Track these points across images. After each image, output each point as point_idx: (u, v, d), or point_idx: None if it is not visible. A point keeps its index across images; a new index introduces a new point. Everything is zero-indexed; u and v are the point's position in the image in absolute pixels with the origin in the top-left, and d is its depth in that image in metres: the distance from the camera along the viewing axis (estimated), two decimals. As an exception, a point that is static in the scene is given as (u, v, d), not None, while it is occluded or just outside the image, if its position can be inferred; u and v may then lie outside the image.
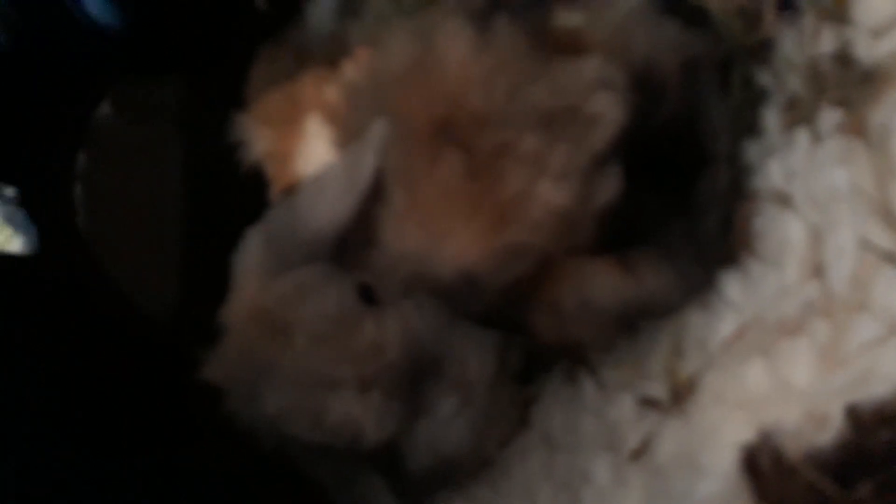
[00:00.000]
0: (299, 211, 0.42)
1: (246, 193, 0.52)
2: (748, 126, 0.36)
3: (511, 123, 0.32)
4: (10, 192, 0.50)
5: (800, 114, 0.34)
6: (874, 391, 0.28)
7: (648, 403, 0.39)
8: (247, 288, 0.41)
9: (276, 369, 0.38)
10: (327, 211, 0.40)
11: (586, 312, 0.36)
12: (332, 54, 0.46)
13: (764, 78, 0.36)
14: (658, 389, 0.39)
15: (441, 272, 0.33)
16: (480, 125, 0.32)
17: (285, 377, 0.38)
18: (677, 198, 0.35)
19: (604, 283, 0.35)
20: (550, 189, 0.31)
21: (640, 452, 0.37)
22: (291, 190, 0.47)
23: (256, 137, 0.50)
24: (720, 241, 0.36)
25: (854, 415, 0.28)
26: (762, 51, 0.36)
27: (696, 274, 0.36)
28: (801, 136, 0.33)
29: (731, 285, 0.36)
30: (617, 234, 0.34)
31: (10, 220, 0.50)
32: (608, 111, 0.32)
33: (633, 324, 0.39)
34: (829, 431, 0.29)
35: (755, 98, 0.37)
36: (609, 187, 0.32)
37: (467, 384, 0.40)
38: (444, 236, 0.33)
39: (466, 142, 0.32)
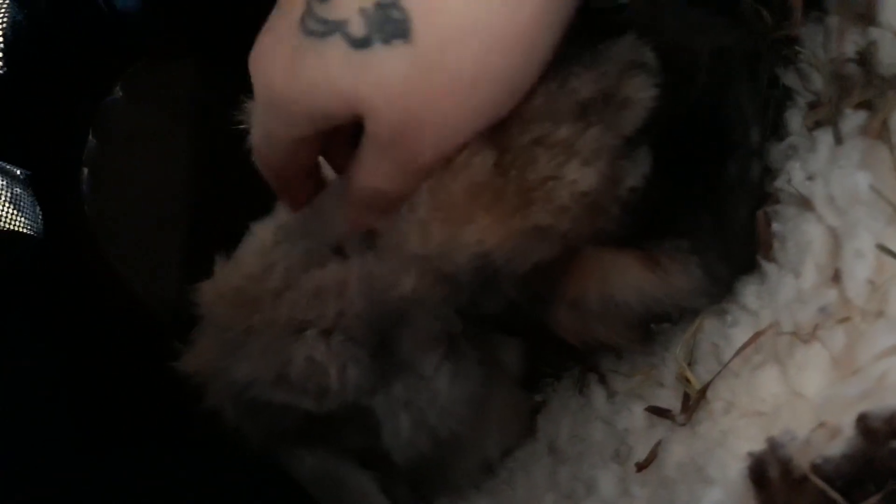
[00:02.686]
0: (323, 207, 0.44)
1: (254, 182, 0.55)
2: (772, 126, 0.38)
3: (549, 117, 0.33)
4: (19, 172, 0.53)
5: (823, 115, 0.35)
6: (887, 401, 0.29)
7: (659, 413, 0.40)
8: (225, 272, 0.43)
9: (245, 336, 0.40)
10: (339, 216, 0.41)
11: (610, 309, 0.38)
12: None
13: (789, 78, 0.38)
14: (670, 399, 0.40)
15: (458, 258, 0.35)
16: (519, 122, 0.33)
17: (252, 338, 0.40)
18: (706, 188, 0.36)
19: (629, 279, 0.37)
20: (578, 172, 0.32)
21: (648, 463, 0.39)
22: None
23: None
24: (749, 239, 0.37)
25: (864, 424, 0.29)
26: (788, 49, 0.38)
27: (724, 274, 0.37)
28: (824, 138, 0.35)
29: (748, 290, 0.37)
30: (644, 225, 0.35)
31: (15, 202, 0.53)
32: (640, 94, 0.33)
33: (656, 324, 0.40)
34: (840, 442, 0.30)
35: (780, 97, 0.38)
36: (637, 170, 0.33)
37: (443, 339, 0.41)
38: (464, 223, 0.34)
39: (500, 140, 0.34)
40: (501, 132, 0.34)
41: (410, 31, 0.29)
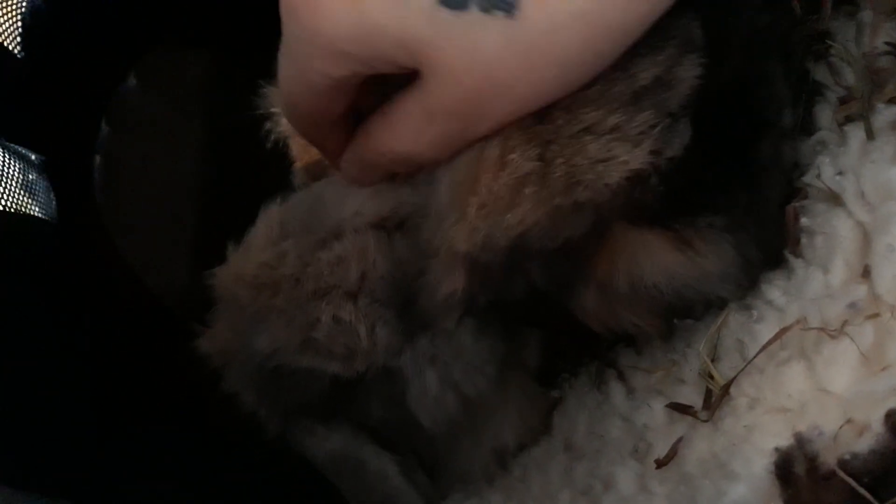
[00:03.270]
0: (324, 196, 0.44)
1: (268, 172, 0.55)
2: (801, 120, 0.38)
3: (601, 105, 0.32)
4: (34, 158, 0.53)
5: (854, 110, 0.35)
6: (917, 397, 0.29)
7: (680, 409, 0.40)
8: (238, 258, 0.43)
9: (267, 312, 0.40)
10: (354, 201, 0.42)
11: (639, 292, 0.37)
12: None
13: (819, 72, 0.38)
14: (691, 395, 0.40)
15: (500, 243, 0.34)
16: (566, 112, 0.33)
17: (275, 313, 0.40)
18: (741, 166, 0.36)
19: (658, 260, 0.36)
20: (629, 153, 0.32)
21: (668, 459, 0.39)
22: (315, 167, 0.50)
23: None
24: (780, 225, 0.37)
25: (893, 421, 0.29)
26: (818, 44, 0.38)
27: (755, 258, 0.37)
28: (854, 133, 0.35)
29: (774, 286, 0.37)
30: (680, 200, 0.35)
31: (29, 188, 0.53)
32: (688, 73, 0.33)
33: (679, 319, 0.40)
34: (868, 438, 0.30)
35: (810, 92, 0.38)
36: (678, 141, 0.33)
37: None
38: (507, 211, 0.34)
39: (542, 133, 0.33)
40: (545, 124, 0.33)
41: (517, 9, 0.28)
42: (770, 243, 0.37)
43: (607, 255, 0.36)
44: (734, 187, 0.35)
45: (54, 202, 0.53)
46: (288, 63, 0.34)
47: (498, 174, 0.34)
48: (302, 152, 0.53)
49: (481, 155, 0.34)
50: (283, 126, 0.53)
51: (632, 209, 0.34)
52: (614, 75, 0.32)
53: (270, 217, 0.44)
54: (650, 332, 0.40)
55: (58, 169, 0.55)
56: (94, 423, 0.47)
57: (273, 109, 0.54)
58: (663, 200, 0.34)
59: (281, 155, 0.57)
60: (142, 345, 0.56)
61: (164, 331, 0.59)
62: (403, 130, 0.33)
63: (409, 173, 0.38)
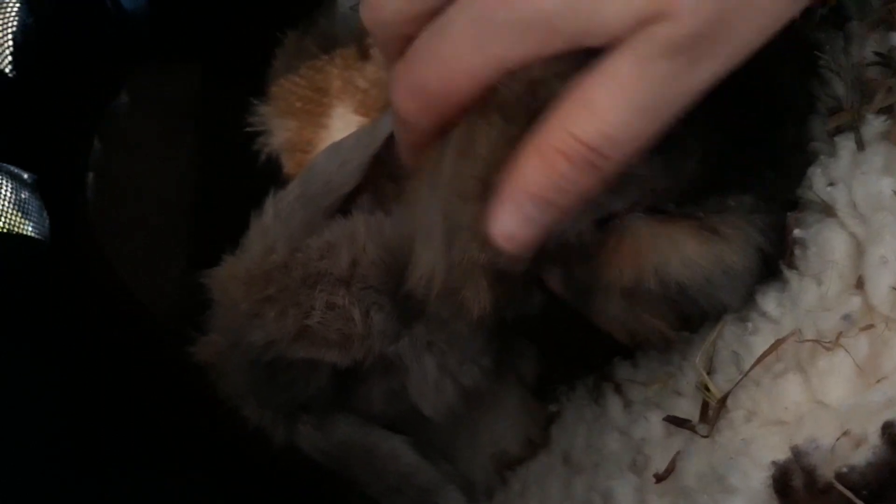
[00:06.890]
0: (308, 179, 0.45)
1: (260, 187, 0.55)
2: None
3: None
4: (27, 177, 0.53)
5: (844, 121, 0.36)
6: (912, 409, 0.30)
7: (678, 423, 0.40)
8: (233, 259, 0.44)
9: (260, 305, 0.41)
10: (337, 168, 0.43)
11: (667, 292, 0.36)
12: (361, 42, 0.49)
13: (810, 84, 0.38)
14: (688, 408, 0.40)
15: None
16: None
17: (268, 305, 0.40)
18: (768, 146, 0.35)
19: (684, 254, 0.35)
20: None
21: (667, 473, 0.39)
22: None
23: (277, 127, 0.53)
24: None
25: (890, 433, 0.30)
26: (808, 54, 0.38)
27: (774, 252, 0.37)
28: (845, 144, 0.35)
29: (769, 297, 0.37)
30: (710, 180, 0.34)
31: (22, 207, 0.53)
32: None
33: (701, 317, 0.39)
34: (865, 450, 0.30)
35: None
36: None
37: None
38: None
39: None
40: None
41: None
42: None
43: (630, 255, 0.35)
44: (763, 166, 0.35)
45: (47, 221, 0.53)
46: (467, 44, 0.30)
47: None
48: (295, 167, 0.53)
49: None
50: (276, 141, 0.53)
51: (660, 194, 0.34)
52: None
53: (263, 211, 0.45)
54: (669, 338, 0.39)
55: (50, 187, 0.56)
56: (83, 445, 0.47)
57: (265, 126, 0.54)
58: (694, 183, 0.33)
59: (273, 170, 0.57)
60: (135, 362, 0.56)
61: (158, 348, 0.60)
62: (608, 101, 0.29)
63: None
